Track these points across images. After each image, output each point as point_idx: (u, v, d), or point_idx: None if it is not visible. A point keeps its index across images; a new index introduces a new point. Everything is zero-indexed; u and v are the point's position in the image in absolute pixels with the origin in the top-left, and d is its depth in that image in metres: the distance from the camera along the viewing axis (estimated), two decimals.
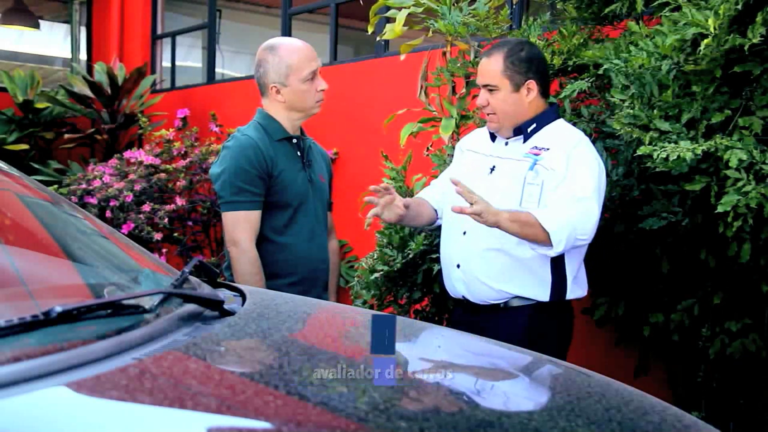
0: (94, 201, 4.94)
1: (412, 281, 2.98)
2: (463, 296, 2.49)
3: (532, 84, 2.43)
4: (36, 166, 5.79)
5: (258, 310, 1.64)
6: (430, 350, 1.72)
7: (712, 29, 2.13)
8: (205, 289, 1.67)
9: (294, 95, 2.63)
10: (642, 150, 2.26)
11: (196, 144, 5.28)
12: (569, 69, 2.85)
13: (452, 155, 2.81)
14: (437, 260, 2.76)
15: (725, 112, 2.26)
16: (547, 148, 2.39)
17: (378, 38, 3.45)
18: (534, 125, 2.45)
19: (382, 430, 1.06)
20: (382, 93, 4.62)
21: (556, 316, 2.46)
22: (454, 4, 3.02)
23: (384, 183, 2.47)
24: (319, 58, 2.69)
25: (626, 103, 2.40)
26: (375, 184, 2.46)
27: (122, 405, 1.08)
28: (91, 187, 5.02)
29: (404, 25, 3.04)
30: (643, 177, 2.62)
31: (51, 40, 7.92)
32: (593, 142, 2.54)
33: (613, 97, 2.45)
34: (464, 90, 3.12)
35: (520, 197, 2.36)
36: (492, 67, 2.44)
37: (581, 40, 2.82)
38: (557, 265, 2.38)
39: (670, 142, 2.25)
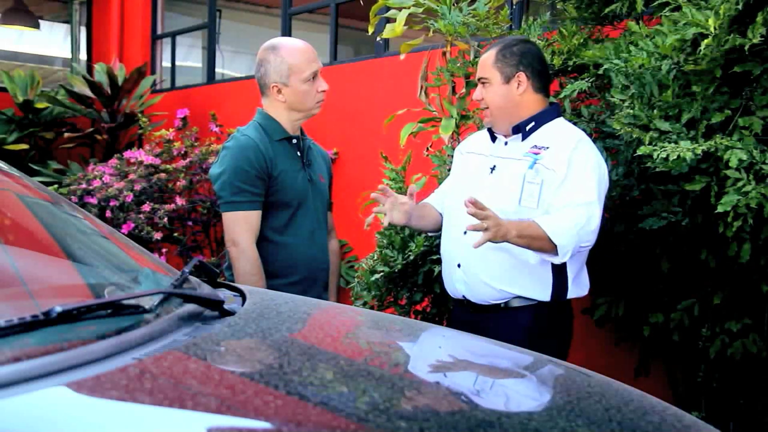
0: (94, 201, 4.94)
1: (413, 282, 2.98)
2: (464, 296, 2.49)
3: (522, 77, 2.44)
4: (36, 167, 5.79)
5: (258, 310, 1.64)
6: (430, 350, 1.72)
7: (712, 29, 2.13)
8: (205, 289, 1.67)
9: (294, 95, 2.63)
10: (642, 150, 2.26)
11: (196, 144, 5.28)
12: (569, 69, 2.85)
13: (452, 155, 2.81)
14: (438, 261, 2.76)
15: (725, 112, 2.26)
16: (547, 147, 2.39)
17: (378, 38, 3.45)
18: (533, 123, 2.45)
19: (382, 430, 1.06)
20: (382, 93, 4.62)
21: (556, 316, 2.46)
22: (454, 4, 3.02)
23: (381, 186, 2.47)
24: (319, 59, 2.69)
25: (626, 103, 2.40)
26: (375, 184, 2.46)
27: (122, 405, 1.08)
28: (91, 187, 5.02)
29: (404, 25, 3.04)
30: (643, 177, 2.62)
31: (51, 40, 7.92)
32: (593, 142, 2.54)
33: (613, 97, 2.45)
34: (464, 90, 3.12)
35: (520, 196, 2.36)
36: (486, 60, 2.49)
37: (581, 40, 2.81)
38: (558, 265, 2.38)
39: (670, 142, 2.25)
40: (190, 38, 7.26)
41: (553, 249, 2.26)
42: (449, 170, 2.79)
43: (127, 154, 5.29)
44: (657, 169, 2.33)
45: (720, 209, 2.20)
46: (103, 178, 5.04)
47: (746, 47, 2.13)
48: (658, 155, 2.21)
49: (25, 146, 5.94)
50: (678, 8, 2.26)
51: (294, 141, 2.68)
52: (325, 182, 2.80)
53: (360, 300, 3.02)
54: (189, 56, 7.56)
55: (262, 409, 1.10)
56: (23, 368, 1.09)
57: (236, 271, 2.54)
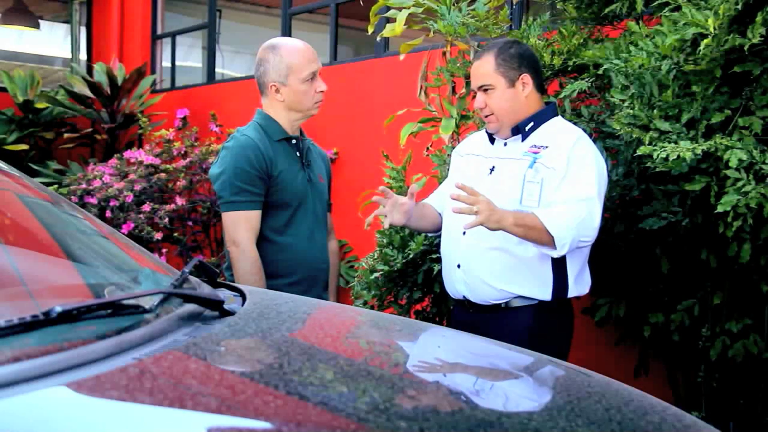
0: (94, 201, 4.94)
1: (413, 281, 2.98)
2: (464, 296, 2.49)
3: (527, 78, 2.44)
4: (36, 167, 5.79)
5: (258, 310, 1.63)
6: (430, 350, 1.72)
7: (712, 29, 2.13)
8: (205, 289, 1.67)
9: (293, 95, 2.63)
10: (642, 150, 2.26)
11: (196, 144, 5.28)
12: (569, 69, 2.85)
13: (452, 155, 2.81)
14: (438, 260, 2.76)
15: (725, 112, 2.26)
16: (546, 146, 2.39)
17: (378, 38, 3.45)
18: (532, 123, 2.45)
19: (382, 430, 1.06)
20: (382, 93, 4.62)
21: (557, 315, 2.46)
22: (453, 5, 3.02)
23: (381, 188, 2.46)
24: (319, 59, 2.69)
25: (626, 103, 2.40)
26: (375, 184, 2.46)
27: (122, 405, 1.08)
28: (91, 187, 5.02)
29: (404, 25, 3.04)
30: (643, 177, 2.62)
31: (51, 40, 7.92)
32: (593, 142, 2.54)
33: (613, 97, 2.45)
34: (464, 90, 3.12)
35: (520, 196, 2.36)
36: (485, 67, 2.45)
37: (581, 40, 2.81)
38: (559, 264, 2.38)
39: (670, 142, 2.25)
40: (190, 38, 7.26)
41: (550, 242, 2.25)
42: (450, 170, 2.79)
43: (127, 154, 5.29)
44: (657, 169, 2.33)
45: (720, 209, 2.20)
46: (103, 178, 5.04)
47: (746, 47, 2.13)
48: (658, 155, 2.21)
49: (25, 146, 5.94)
50: (678, 8, 2.26)
51: (293, 141, 2.68)
52: (325, 183, 2.80)
53: (360, 299, 3.02)
54: (189, 56, 7.56)
55: (262, 409, 1.10)
56: (23, 368, 1.09)
57: (236, 271, 2.54)
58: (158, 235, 4.85)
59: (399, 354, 1.61)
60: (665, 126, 2.30)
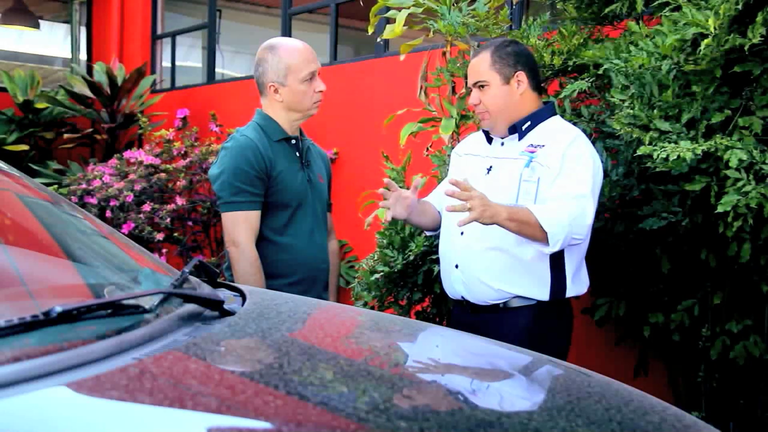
0: (94, 201, 4.94)
1: (413, 282, 2.98)
2: (463, 297, 2.49)
3: (522, 76, 2.44)
4: (36, 167, 5.79)
5: (258, 310, 1.63)
6: (430, 350, 1.72)
7: (712, 29, 2.13)
8: (205, 289, 1.67)
9: (292, 95, 2.63)
10: (642, 150, 2.26)
11: (196, 144, 5.28)
12: (569, 69, 2.85)
13: (451, 155, 2.81)
14: (437, 261, 2.76)
15: (725, 112, 2.26)
16: (543, 145, 2.39)
17: (378, 38, 3.45)
18: (529, 123, 2.46)
19: (382, 430, 1.06)
20: (382, 93, 4.62)
21: (555, 315, 2.46)
22: (453, 4, 3.02)
23: (386, 180, 2.45)
24: (318, 60, 2.69)
25: (626, 103, 2.40)
26: (375, 184, 2.46)
27: (122, 405, 1.08)
28: (91, 187, 5.02)
29: (404, 26, 3.04)
30: (643, 177, 2.62)
31: (51, 40, 7.92)
32: (593, 142, 2.54)
33: (613, 97, 2.45)
34: (464, 90, 3.12)
35: (517, 194, 2.36)
36: (480, 64, 2.47)
37: (581, 40, 2.82)
38: (556, 263, 2.38)
39: (670, 142, 2.25)
40: (190, 38, 7.26)
41: (543, 237, 2.25)
42: (449, 170, 2.79)
43: (127, 154, 5.29)
44: (657, 169, 2.33)
45: (720, 209, 2.20)
46: (103, 178, 5.04)
47: (746, 47, 2.13)
48: (658, 155, 2.21)
49: (25, 146, 5.94)
50: (678, 8, 2.26)
51: (293, 141, 2.68)
52: (324, 183, 2.80)
53: (360, 300, 3.02)
54: (189, 56, 7.56)
55: (262, 409, 1.10)
56: (23, 368, 1.09)
57: (236, 271, 2.54)
58: (160, 236, 4.85)
59: (399, 354, 1.61)
60: (665, 126, 2.30)
